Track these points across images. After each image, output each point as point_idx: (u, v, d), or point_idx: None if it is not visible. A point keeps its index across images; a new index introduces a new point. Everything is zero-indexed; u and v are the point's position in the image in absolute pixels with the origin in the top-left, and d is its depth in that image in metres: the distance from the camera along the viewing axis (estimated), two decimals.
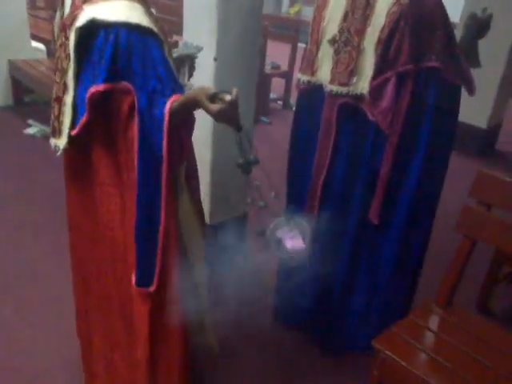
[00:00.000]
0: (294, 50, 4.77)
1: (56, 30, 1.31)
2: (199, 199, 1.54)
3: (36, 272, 2.33)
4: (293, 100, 4.89)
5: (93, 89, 1.14)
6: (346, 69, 1.57)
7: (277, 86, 5.00)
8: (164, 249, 1.26)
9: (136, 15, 1.15)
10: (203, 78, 2.06)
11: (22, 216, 2.78)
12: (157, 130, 1.16)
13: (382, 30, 1.49)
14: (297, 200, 1.87)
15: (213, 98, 1.13)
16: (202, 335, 1.59)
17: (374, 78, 1.53)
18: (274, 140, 4.06)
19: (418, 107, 1.57)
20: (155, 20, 1.25)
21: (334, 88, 1.60)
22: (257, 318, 2.02)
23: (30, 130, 3.83)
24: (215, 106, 1.12)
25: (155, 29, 1.17)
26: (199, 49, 1.49)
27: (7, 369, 1.81)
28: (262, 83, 3.98)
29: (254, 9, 2.06)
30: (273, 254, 1.46)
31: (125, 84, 1.15)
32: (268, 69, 4.69)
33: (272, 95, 4.94)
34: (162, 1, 5.99)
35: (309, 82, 1.70)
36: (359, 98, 1.58)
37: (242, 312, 1.86)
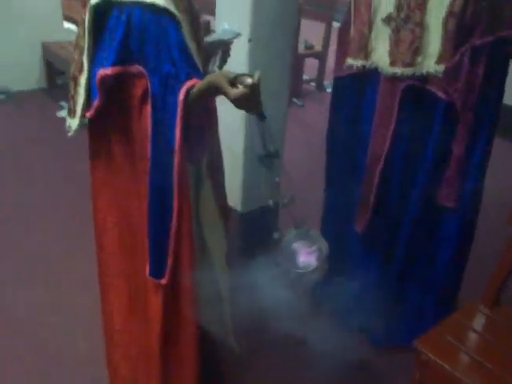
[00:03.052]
0: (328, 29, 4.59)
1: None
2: (223, 193, 1.48)
3: (65, 254, 2.35)
4: (327, 82, 4.74)
5: (101, 72, 1.08)
6: (410, 48, 1.45)
7: (310, 66, 4.85)
8: (178, 242, 1.21)
9: None
10: (237, 59, 1.98)
11: (55, 195, 2.80)
12: (170, 118, 1.10)
13: (453, 2, 1.37)
14: (339, 191, 1.80)
15: (233, 81, 1.05)
16: (222, 334, 1.55)
17: (446, 54, 1.42)
18: (307, 123, 3.95)
19: (489, 81, 1.46)
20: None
21: (398, 70, 1.48)
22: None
23: (63, 113, 3.85)
24: (235, 90, 1.03)
25: (173, 8, 1.09)
26: (237, 34, 1.41)
27: (35, 344, 1.84)
28: (295, 64, 3.86)
29: None
30: (280, 267, 1.35)
31: (137, 67, 1.09)
32: (301, 49, 4.54)
33: (305, 76, 4.80)
34: None
35: (363, 66, 1.57)
36: (425, 78, 1.47)
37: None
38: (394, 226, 1.71)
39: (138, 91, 1.10)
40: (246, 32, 1.93)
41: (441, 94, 1.47)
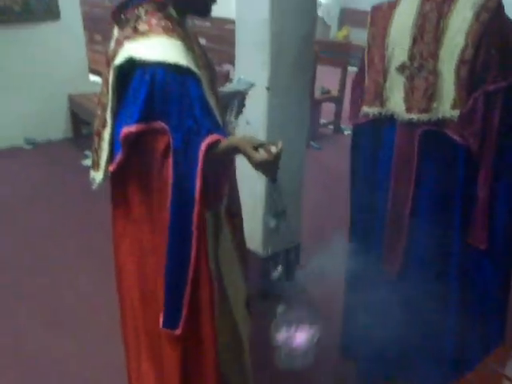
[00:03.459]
0: (343, 74, 4.70)
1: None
2: (242, 238, 1.50)
3: (92, 303, 2.36)
4: (344, 124, 4.81)
5: (125, 129, 1.12)
6: (424, 95, 1.49)
7: (327, 110, 4.94)
8: (195, 290, 1.22)
9: (174, 53, 1.11)
10: (256, 107, 2.05)
11: (82, 243, 2.84)
12: (191, 171, 1.13)
13: (463, 51, 1.42)
14: (364, 238, 1.79)
15: (257, 147, 1.12)
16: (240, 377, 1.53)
17: (459, 100, 1.46)
18: (324, 166, 3.98)
19: (507, 124, 1.48)
20: (200, 54, 1.24)
21: (414, 116, 1.52)
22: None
23: (87, 162, 3.96)
24: (259, 155, 1.10)
25: (194, 67, 1.14)
26: (251, 85, 1.47)
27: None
28: (312, 108, 3.94)
29: (306, 37, 2.04)
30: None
31: (160, 124, 1.12)
32: (318, 94, 4.64)
33: (322, 120, 4.88)
34: (214, 31, 6.14)
35: (379, 113, 1.61)
36: (442, 122, 1.50)
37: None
38: (428, 270, 1.68)
39: (160, 146, 1.13)
40: (264, 80, 2.00)
41: (458, 138, 1.48)
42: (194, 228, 1.17)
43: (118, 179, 1.26)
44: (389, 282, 1.73)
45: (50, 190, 3.49)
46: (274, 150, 1.10)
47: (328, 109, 4.92)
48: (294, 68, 2.03)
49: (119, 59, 1.12)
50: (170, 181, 1.14)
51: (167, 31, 1.13)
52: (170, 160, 1.12)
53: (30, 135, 4.16)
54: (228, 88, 1.46)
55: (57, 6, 4.00)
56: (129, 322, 1.40)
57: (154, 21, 1.13)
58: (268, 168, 1.14)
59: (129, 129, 1.12)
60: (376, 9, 1.60)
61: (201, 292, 1.23)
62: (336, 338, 1.98)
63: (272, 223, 1.27)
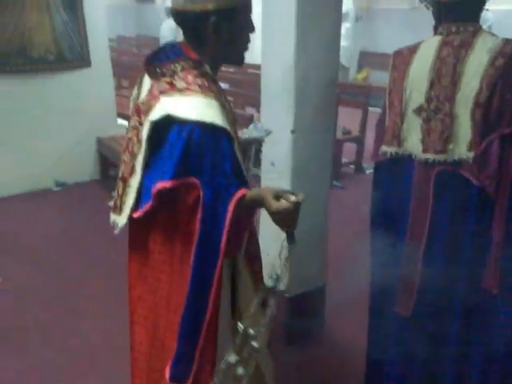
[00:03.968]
0: (364, 114, 4.78)
1: (131, 105, 1.35)
2: (261, 280, 1.48)
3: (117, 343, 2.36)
4: (365, 164, 4.84)
5: (160, 185, 1.14)
6: (441, 137, 1.53)
7: (348, 149, 4.99)
8: (207, 343, 1.20)
9: (211, 113, 1.14)
10: (281, 149, 2.10)
11: (112, 282, 2.88)
12: (218, 226, 1.14)
13: (478, 94, 1.45)
14: (384, 270, 1.78)
15: (278, 196, 1.12)
16: None
17: (475, 142, 1.48)
18: (347, 205, 3.98)
19: None
20: (229, 109, 1.26)
21: (430, 157, 1.55)
22: None
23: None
24: (277, 203, 1.10)
25: (227, 125, 1.16)
26: (268, 133, 1.48)
27: None
28: (334, 148, 3.98)
29: (329, 82, 2.10)
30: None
31: (193, 179, 1.13)
32: (339, 134, 4.71)
33: (344, 159, 4.92)
34: (237, 76, 6.33)
35: (396, 153, 1.65)
36: (457, 163, 1.52)
37: None
38: (442, 310, 1.65)
39: (190, 199, 1.15)
40: (289, 124, 2.06)
41: (473, 180, 1.50)
42: (214, 281, 1.17)
43: (140, 225, 1.27)
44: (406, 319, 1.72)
45: (78, 231, 3.56)
46: (293, 198, 1.09)
47: (349, 148, 4.97)
48: (318, 111, 2.09)
49: (156, 115, 1.14)
50: (196, 234, 1.15)
51: (204, 90, 1.16)
52: (199, 215, 1.14)
53: (59, 177, 4.30)
54: (244, 134, 1.46)
55: (88, 55, 4.22)
56: (138, 364, 1.39)
57: (190, 78, 1.17)
58: (286, 218, 1.12)
59: (163, 184, 1.14)
60: (397, 53, 1.66)
61: (213, 344, 1.22)
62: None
63: (269, 283, 1.22)
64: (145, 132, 1.18)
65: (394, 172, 1.70)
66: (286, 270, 1.21)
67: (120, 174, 1.29)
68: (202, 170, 1.13)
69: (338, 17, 2.08)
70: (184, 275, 1.19)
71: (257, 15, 1.40)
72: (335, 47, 2.10)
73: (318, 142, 2.15)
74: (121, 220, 1.27)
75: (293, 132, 2.05)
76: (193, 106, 1.14)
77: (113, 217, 1.31)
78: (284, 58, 1.98)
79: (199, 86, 1.16)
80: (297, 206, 1.09)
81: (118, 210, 1.28)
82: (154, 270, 1.27)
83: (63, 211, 3.88)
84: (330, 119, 2.22)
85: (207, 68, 1.23)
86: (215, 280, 1.17)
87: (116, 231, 1.29)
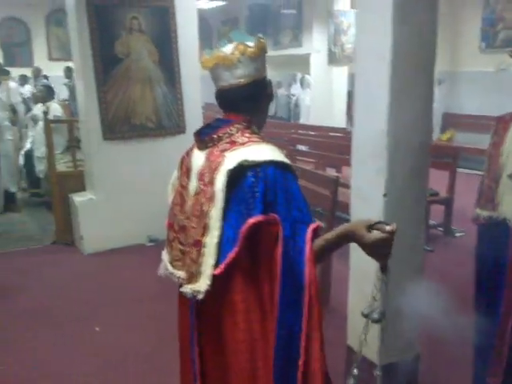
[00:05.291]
0: (452, 176, 4.65)
1: (170, 188, 1.54)
2: None
3: None
4: (454, 227, 4.65)
5: (252, 220, 1.19)
6: None
7: (436, 212, 4.83)
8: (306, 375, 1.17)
9: (277, 154, 1.27)
10: (372, 213, 2.11)
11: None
12: (299, 258, 1.17)
13: None
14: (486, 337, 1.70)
15: (371, 228, 1.14)
16: None
17: None
18: (438, 269, 3.80)
19: None
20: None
21: None
22: None
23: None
24: (373, 234, 1.12)
25: (292, 165, 1.29)
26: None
27: None
28: None
29: (422, 145, 2.11)
30: None
31: (273, 215, 1.20)
32: (427, 196, 4.60)
33: (431, 222, 4.76)
34: (317, 138, 6.50)
35: (490, 217, 1.64)
36: None
37: None
38: None
39: (271, 237, 1.20)
40: (380, 187, 2.08)
41: None
42: (304, 318, 1.16)
43: (220, 282, 1.25)
44: None
45: (169, 285, 3.71)
46: (388, 228, 1.11)
47: (436, 210, 4.82)
48: (411, 175, 2.09)
49: (230, 165, 1.23)
50: (278, 270, 1.17)
51: (264, 140, 1.32)
52: (279, 249, 1.18)
53: (152, 234, 4.57)
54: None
55: (184, 122, 4.58)
56: None
57: (247, 134, 1.32)
58: (382, 249, 1.14)
59: (257, 219, 1.19)
60: (500, 119, 1.69)
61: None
62: None
63: (373, 317, 1.20)
64: (219, 183, 1.24)
65: (492, 235, 1.68)
66: (380, 300, 1.21)
67: (187, 241, 1.32)
68: (278, 205, 1.21)
69: (430, 80, 2.12)
70: (275, 310, 1.20)
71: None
72: (428, 110, 2.13)
73: (410, 205, 2.14)
74: (202, 285, 1.25)
75: (385, 195, 2.06)
76: (261, 150, 1.27)
77: (189, 287, 1.29)
78: (376, 122, 2.04)
79: (258, 138, 1.31)
80: (393, 233, 1.12)
81: (194, 277, 1.28)
82: (246, 322, 1.25)
83: (155, 264, 4.07)
84: (423, 182, 2.21)
85: (254, 128, 1.38)
86: (305, 312, 1.17)
87: (200, 297, 1.26)
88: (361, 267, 2.03)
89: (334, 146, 5.71)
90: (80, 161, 4.66)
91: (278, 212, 1.20)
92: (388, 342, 2.19)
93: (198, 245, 1.27)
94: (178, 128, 4.56)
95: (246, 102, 1.36)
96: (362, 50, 2.14)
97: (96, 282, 3.81)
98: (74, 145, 4.85)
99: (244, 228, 1.19)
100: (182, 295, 1.37)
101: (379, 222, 1.15)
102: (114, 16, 4.15)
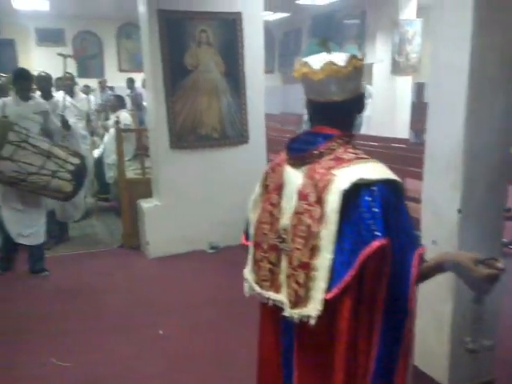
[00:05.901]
0: None
1: (252, 205, 1.45)
2: None
3: None
4: None
5: (377, 243, 1.12)
6: None
7: (507, 229, 4.57)
8: None
9: (387, 172, 1.21)
10: (445, 228, 2.04)
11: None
12: (405, 281, 1.14)
13: None
14: None
15: (480, 262, 1.12)
16: None
17: None
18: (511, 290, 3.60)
19: None
20: None
21: None
22: None
23: None
24: (485, 270, 1.09)
25: (403, 184, 1.22)
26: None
27: None
28: None
29: (501, 159, 2.02)
30: None
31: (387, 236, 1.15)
32: None
33: (503, 240, 4.51)
34: (380, 149, 6.37)
35: None
36: None
37: None
38: None
39: (383, 260, 1.15)
40: (454, 201, 2.01)
41: None
42: (404, 342, 1.15)
43: (328, 307, 1.19)
44: None
45: (229, 291, 3.75)
46: (501, 265, 1.10)
47: (508, 227, 4.56)
48: (488, 190, 2.01)
49: (343, 185, 1.17)
50: (384, 291, 1.14)
51: (368, 157, 1.25)
52: (387, 269, 1.14)
53: (213, 241, 4.65)
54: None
55: (247, 132, 4.65)
56: None
57: (351, 150, 1.26)
58: (486, 285, 1.12)
59: (381, 241, 1.12)
60: None
61: None
62: None
63: (483, 345, 1.18)
64: (334, 204, 1.18)
65: None
66: (477, 331, 1.19)
67: (294, 263, 1.24)
68: (390, 224, 1.15)
69: (508, 95, 2.03)
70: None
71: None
72: (506, 124, 2.04)
73: (486, 222, 2.05)
74: (312, 310, 1.19)
75: (459, 211, 1.99)
76: (372, 168, 1.21)
77: (295, 312, 1.23)
78: (453, 136, 1.98)
79: (363, 155, 1.25)
80: (503, 271, 1.11)
81: (302, 301, 1.21)
82: (349, 351, 1.20)
83: (216, 270, 4.14)
84: (500, 198, 2.12)
85: (353, 141, 1.32)
86: (406, 336, 1.15)
87: (312, 322, 1.19)
88: (433, 289, 1.96)
89: (397, 158, 5.56)
90: (148, 168, 4.84)
91: (390, 232, 1.15)
92: (460, 363, 2.11)
93: (306, 267, 1.20)
94: (242, 138, 4.63)
95: (349, 116, 1.33)
96: (438, 62, 2.08)
97: (160, 286, 3.92)
98: (142, 152, 5.06)
99: (366, 251, 1.13)
100: (266, 313, 1.36)
101: (489, 258, 1.14)
102: (183, 29, 4.29)
